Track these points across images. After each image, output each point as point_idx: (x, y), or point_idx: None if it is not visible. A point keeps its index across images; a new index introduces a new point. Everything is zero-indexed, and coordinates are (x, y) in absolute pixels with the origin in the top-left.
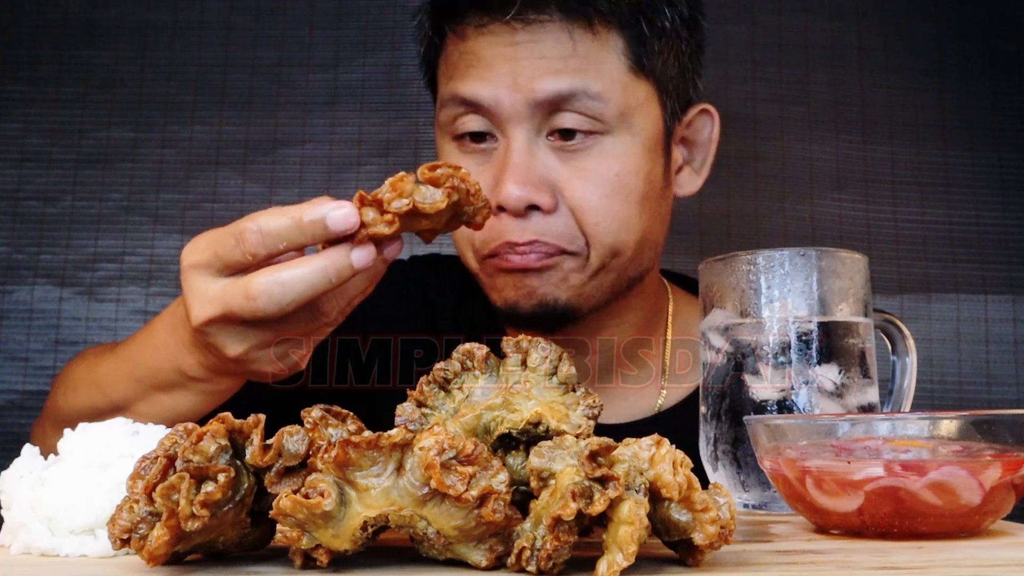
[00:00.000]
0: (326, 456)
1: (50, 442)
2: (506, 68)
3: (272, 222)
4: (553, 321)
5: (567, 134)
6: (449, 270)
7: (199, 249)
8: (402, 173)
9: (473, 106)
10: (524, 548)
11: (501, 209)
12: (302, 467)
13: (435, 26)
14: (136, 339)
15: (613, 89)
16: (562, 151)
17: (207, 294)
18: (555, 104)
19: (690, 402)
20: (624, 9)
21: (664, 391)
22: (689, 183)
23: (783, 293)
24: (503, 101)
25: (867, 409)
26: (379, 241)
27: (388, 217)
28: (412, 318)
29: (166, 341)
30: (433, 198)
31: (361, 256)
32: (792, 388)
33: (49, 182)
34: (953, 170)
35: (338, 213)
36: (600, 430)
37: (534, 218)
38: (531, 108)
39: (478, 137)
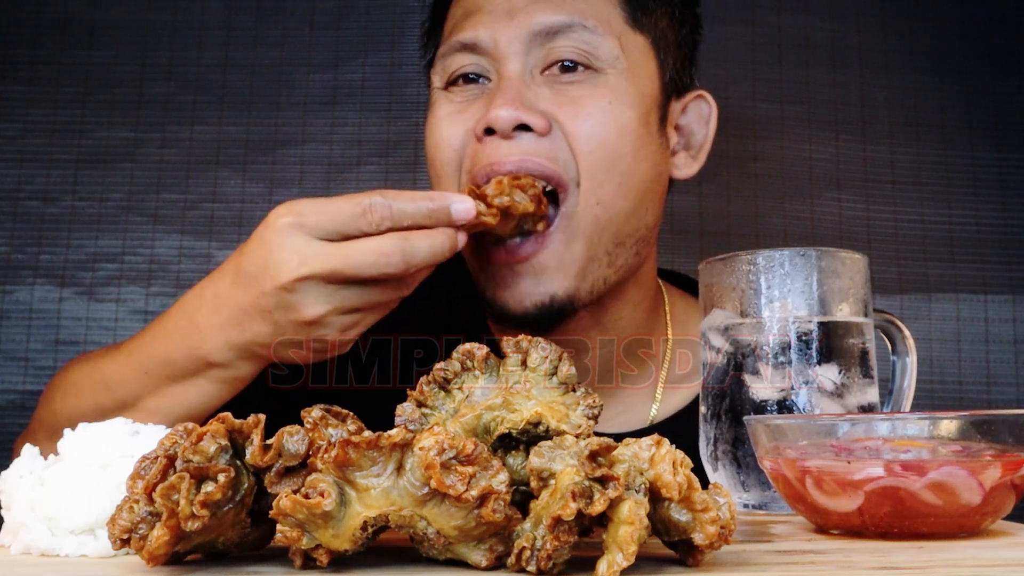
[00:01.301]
0: (326, 456)
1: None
2: (503, 10)
3: (404, 204)
4: (551, 319)
5: (562, 69)
6: (446, 269)
7: (305, 212)
8: (500, 177)
9: (471, 47)
10: (524, 548)
11: (489, 132)
12: (302, 467)
13: None
14: (147, 332)
15: (609, 31)
16: (556, 83)
17: (306, 252)
18: (551, 35)
19: (684, 414)
20: None
21: (659, 398)
22: (685, 167)
23: (783, 293)
24: (500, 37)
25: (867, 409)
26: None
27: (493, 210)
28: (410, 318)
29: (184, 327)
30: (524, 201)
31: (463, 238)
32: (792, 388)
33: (49, 182)
34: (953, 170)
35: (462, 207)
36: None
37: (524, 139)
38: (527, 42)
39: (472, 80)
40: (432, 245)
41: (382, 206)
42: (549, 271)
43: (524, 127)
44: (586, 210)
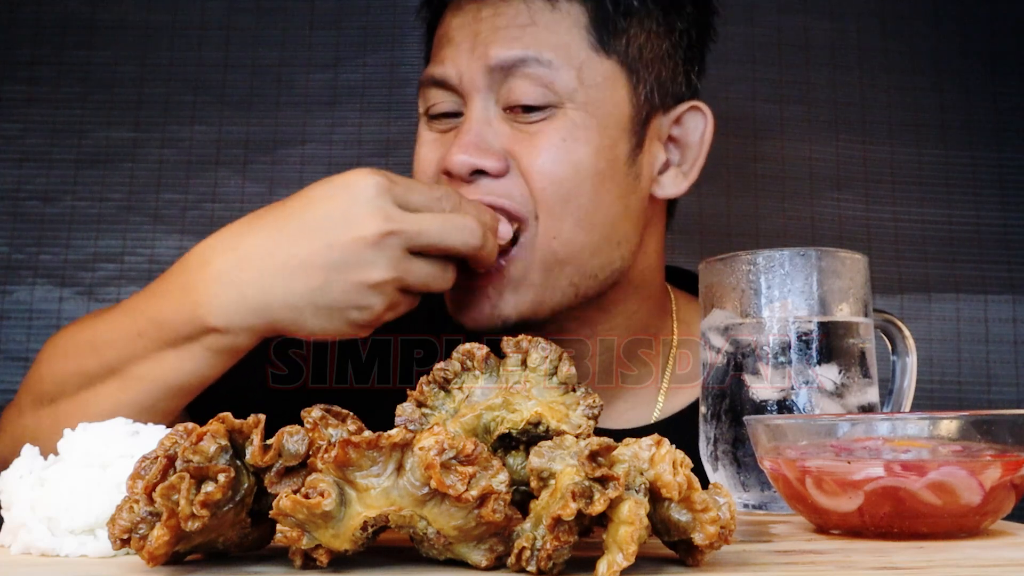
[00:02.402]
0: (326, 456)
1: (26, 421)
2: (468, 43)
3: (470, 205)
4: (507, 333)
5: (523, 109)
6: None
7: (392, 179)
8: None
9: (441, 84)
10: (524, 548)
11: (449, 175)
12: (302, 467)
13: (429, 21)
14: (145, 290)
15: (568, 62)
16: (516, 122)
17: (392, 212)
18: (507, 71)
19: (688, 412)
20: None
21: (661, 398)
22: (673, 185)
23: (783, 293)
24: (463, 72)
25: (867, 409)
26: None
27: None
28: (412, 317)
29: (186, 283)
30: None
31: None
32: (792, 388)
33: (49, 182)
34: (953, 170)
35: (505, 228)
36: (598, 435)
37: (481, 183)
38: (486, 76)
39: (448, 116)
40: (494, 242)
41: (455, 196)
42: (505, 295)
43: (481, 171)
44: (544, 243)
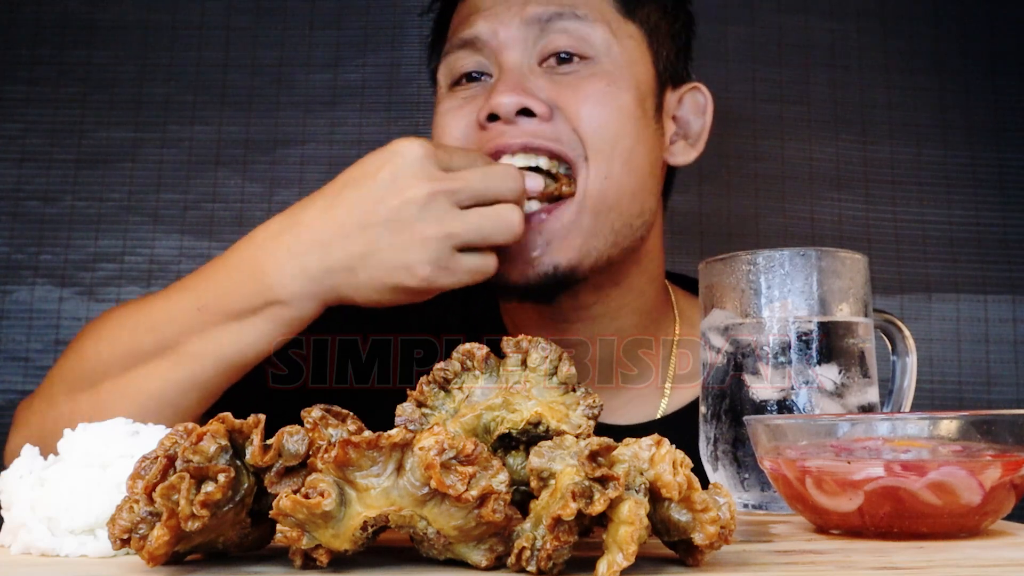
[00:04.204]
0: (326, 456)
1: (60, 409)
2: (501, 4)
3: (490, 166)
4: (553, 289)
5: (558, 60)
6: None
7: (434, 144)
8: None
9: (472, 44)
10: (524, 548)
11: (493, 118)
12: (302, 467)
13: (444, 6)
14: (205, 268)
15: (600, 18)
16: (553, 74)
17: (436, 174)
18: (544, 25)
19: (690, 408)
20: None
21: (667, 395)
22: (683, 154)
23: (783, 293)
24: (498, 29)
25: (867, 409)
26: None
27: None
28: (419, 316)
29: (251, 257)
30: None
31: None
32: (792, 388)
33: (49, 182)
34: (953, 170)
35: (533, 182)
36: (603, 431)
37: (527, 124)
38: (523, 31)
39: (472, 80)
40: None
41: (486, 158)
42: (555, 241)
43: (527, 112)
44: (596, 184)
